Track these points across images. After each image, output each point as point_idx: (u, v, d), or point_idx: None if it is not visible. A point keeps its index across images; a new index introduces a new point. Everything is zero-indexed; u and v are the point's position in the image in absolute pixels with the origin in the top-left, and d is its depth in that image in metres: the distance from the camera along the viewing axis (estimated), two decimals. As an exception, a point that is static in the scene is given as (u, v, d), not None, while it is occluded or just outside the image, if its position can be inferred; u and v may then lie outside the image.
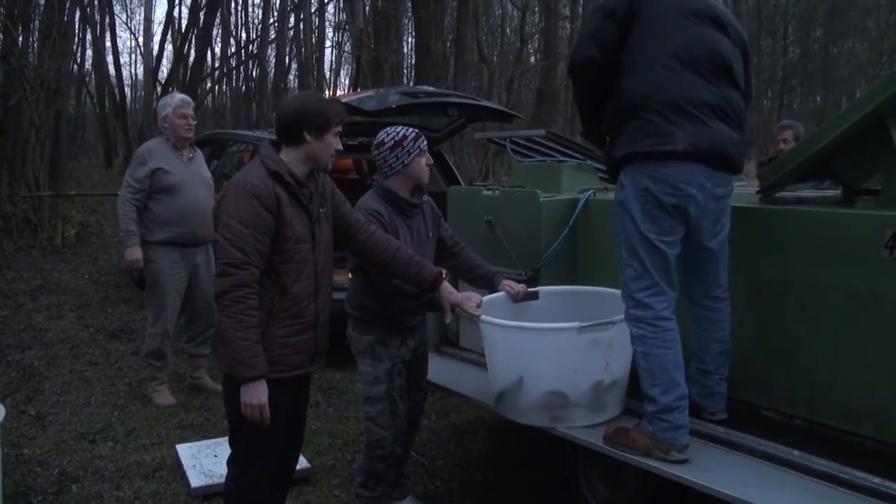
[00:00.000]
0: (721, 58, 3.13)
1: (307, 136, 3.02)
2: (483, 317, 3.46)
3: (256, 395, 2.89)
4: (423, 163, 3.66)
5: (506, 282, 3.73)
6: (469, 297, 3.50)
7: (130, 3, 36.96)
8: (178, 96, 5.66)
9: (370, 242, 3.34)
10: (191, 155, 5.57)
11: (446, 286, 3.46)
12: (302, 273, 3.06)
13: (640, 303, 3.17)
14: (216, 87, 32.36)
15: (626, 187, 3.16)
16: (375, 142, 3.64)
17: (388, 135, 3.62)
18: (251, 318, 2.87)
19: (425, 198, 3.78)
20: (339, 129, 3.11)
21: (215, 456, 4.40)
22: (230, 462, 3.21)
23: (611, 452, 3.26)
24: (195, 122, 5.60)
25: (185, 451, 4.56)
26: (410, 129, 3.66)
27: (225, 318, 2.87)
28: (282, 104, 3.36)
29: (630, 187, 3.14)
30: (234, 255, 2.86)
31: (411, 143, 3.61)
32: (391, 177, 3.63)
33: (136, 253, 5.35)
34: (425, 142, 3.69)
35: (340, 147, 3.14)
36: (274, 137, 3.12)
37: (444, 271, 3.49)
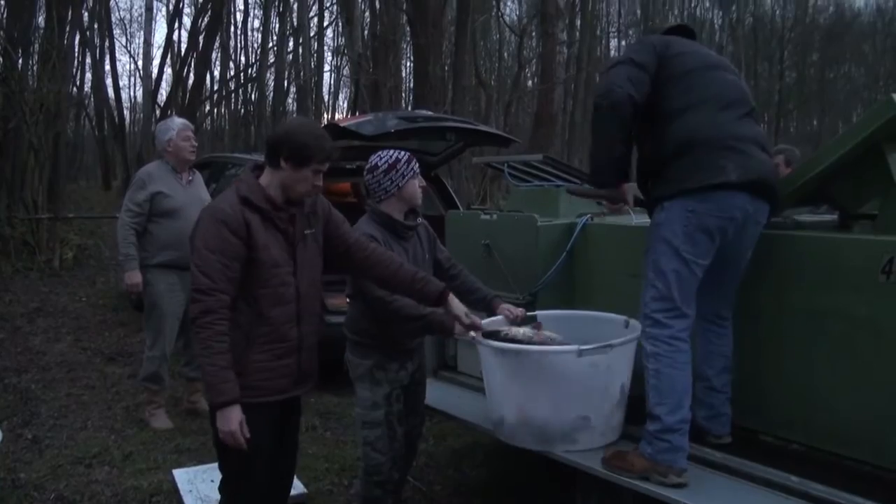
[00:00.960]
0: (748, 100, 3.36)
1: (283, 164, 2.96)
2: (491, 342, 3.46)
3: (227, 420, 2.87)
4: (417, 185, 3.65)
5: (504, 306, 3.72)
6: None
7: (130, 27, 37.15)
8: (178, 120, 5.67)
9: (372, 260, 3.28)
10: (190, 178, 5.58)
11: (452, 299, 3.39)
12: (281, 297, 3.03)
13: (657, 322, 3.20)
14: (215, 110, 32.47)
15: (667, 209, 3.21)
16: (368, 166, 3.63)
17: (381, 158, 3.61)
18: (219, 344, 2.85)
19: (420, 220, 3.77)
20: (323, 167, 3.03)
21: (212, 481, 4.37)
22: (221, 488, 3.21)
23: (609, 476, 3.25)
24: (196, 145, 5.63)
25: (181, 476, 4.54)
26: (403, 152, 3.65)
27: (196, 344, 2.90)
28: (279, 124, 3.32)
29: (674, 209, 3.18)
30: (201, 281, 2.86)
31: (405, 166, 3.60)
32: (385, 200, 3.62)
33: (135, 277, 5.35)
34: (417, 164, 3.69)
35: (320, 184, 3.06)
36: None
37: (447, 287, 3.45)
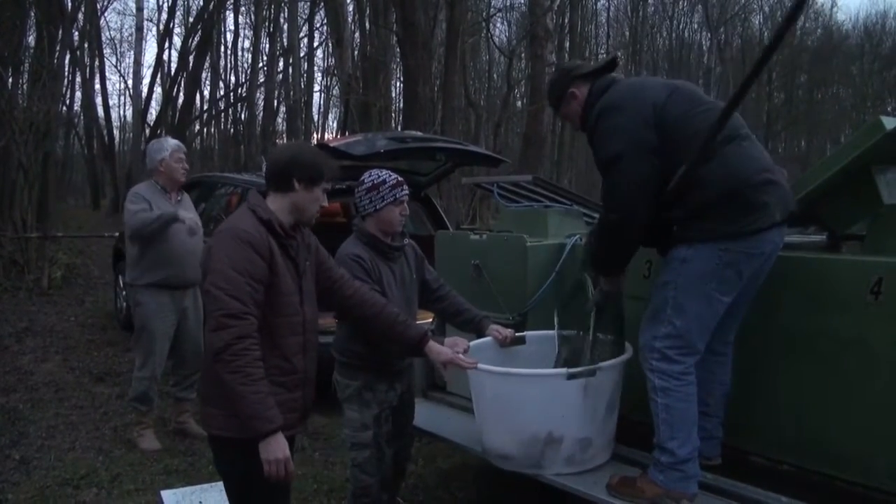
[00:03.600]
0: (738, 121, 3.15)
1: (297, 185, 2.91)
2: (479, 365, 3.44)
3: (279, 448, 2.70)
4: (397, 212, 3.59)
5: (493, 326, 3.72)
6: (456, 343, 3.46)
7: (120, 47, 37.26)
8: (172, 141, 5.66)
9: (356, 299, 3.25)
10: (178, 198, 5.56)
11: (432, 346, 3.36)
12: (294, 327, 2.93)
13: (668, 358, 3.14)
14: (204, 130, 32.52)
15: (695, 244, 3.07)
16: (358, 181, 3.65)
17: (369, 176, 3.60)
18: (259, 371, 2.68)
19: (407, 241, 3.76)
20: (329, 185, 3.01)
21: (200, 503, 4.35)
22: None
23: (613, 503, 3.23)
24: (188, 168, 5.64)
25: (169, 497, 4.49)
26: (392, 177, 3.61)
27: (229, 374, 2.64)
28: (275, 150, 3.23)
29: (704, 248, 3.04)
30: (231, 305, 2.67)
31: (387, 190, 3.56)
32: (366, 218, 3.62)
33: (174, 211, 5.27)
34: (405, 192, 3.62)
35: (325, 203, 3.03)
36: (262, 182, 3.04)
37: (428, 332, 3.43)
